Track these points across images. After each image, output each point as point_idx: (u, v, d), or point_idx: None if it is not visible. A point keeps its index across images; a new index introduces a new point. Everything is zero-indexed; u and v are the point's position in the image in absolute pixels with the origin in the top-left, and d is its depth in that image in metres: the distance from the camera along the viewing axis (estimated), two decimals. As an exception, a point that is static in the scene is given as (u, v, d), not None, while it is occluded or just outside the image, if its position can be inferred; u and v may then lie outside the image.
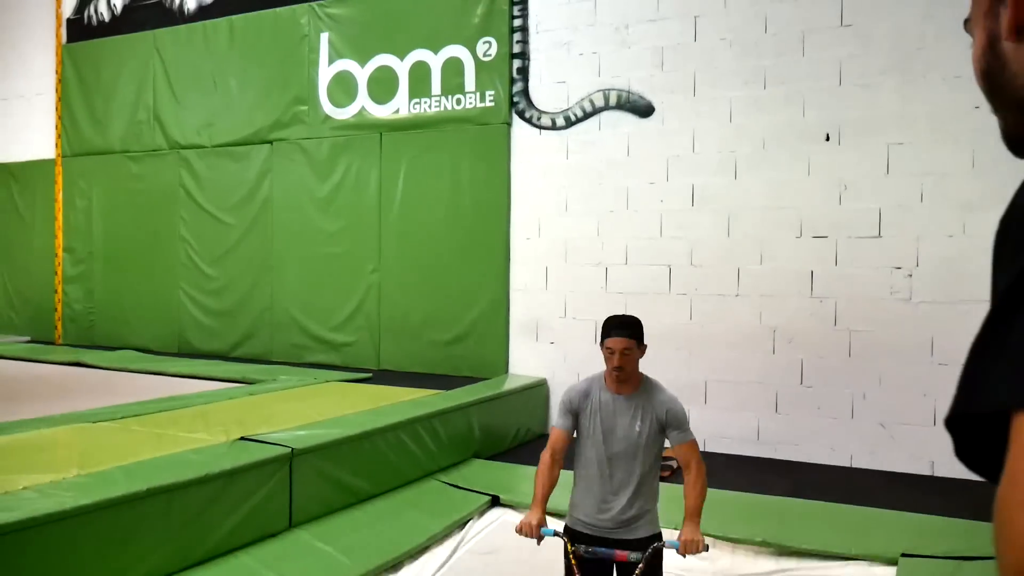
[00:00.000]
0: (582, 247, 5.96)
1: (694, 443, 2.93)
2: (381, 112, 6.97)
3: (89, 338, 8.66)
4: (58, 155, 8.85)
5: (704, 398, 5.51)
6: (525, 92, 6.27)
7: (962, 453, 0.60)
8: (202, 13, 7.95)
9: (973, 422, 0.56)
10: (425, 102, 6.74)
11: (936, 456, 4.90)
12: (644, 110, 5.80)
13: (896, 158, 5.07)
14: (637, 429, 2.92)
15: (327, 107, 7.23)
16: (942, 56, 4.90)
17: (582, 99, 6.02)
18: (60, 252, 8.87)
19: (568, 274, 6.02)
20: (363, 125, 7.06)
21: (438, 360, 6.66)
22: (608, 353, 2.90)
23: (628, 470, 2.92)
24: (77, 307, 8.78)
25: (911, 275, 5.01)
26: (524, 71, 6.28)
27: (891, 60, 5.07)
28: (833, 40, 5.23)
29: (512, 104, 6.33)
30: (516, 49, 6.33)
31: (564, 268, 6.04)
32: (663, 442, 2.96)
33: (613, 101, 5.91)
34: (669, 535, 3.04)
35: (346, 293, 7.15)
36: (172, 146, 8.13)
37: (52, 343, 8.83)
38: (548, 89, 6.18)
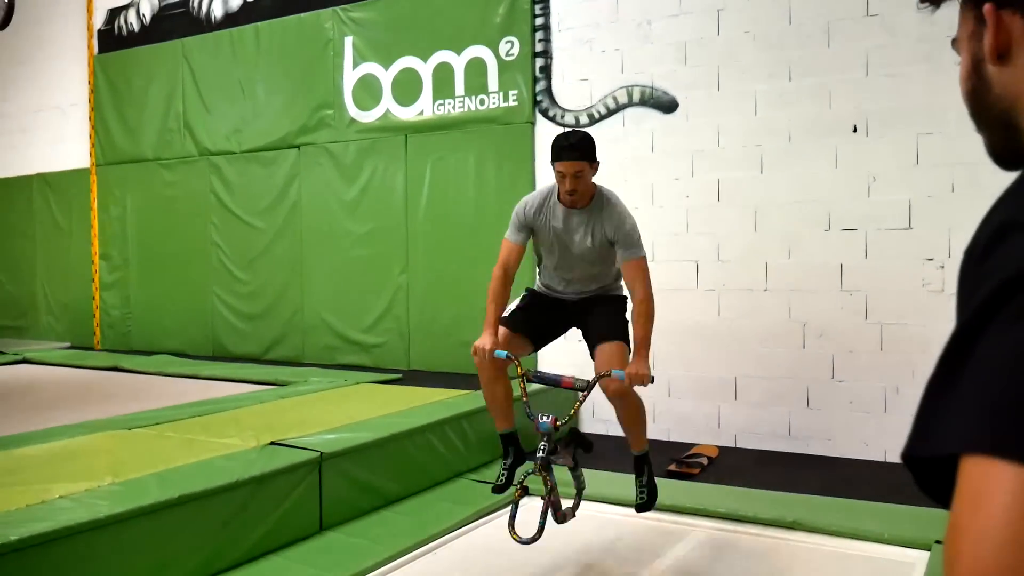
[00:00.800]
0: (608, 244, 5.92)
1: (642, 264, 3.02)
2: (406, 114, 6.99)
3: (127, 343, 8.81)
4: (92, 164, 9.00)
5: (735, 394, 5.47)
6: (548, 91, 6.26)
7: (923, 486, 0.59)
8: (229, 20, 8.03)
9: (928, 460, 0.56)
10: (449, 103, 6.76)
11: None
12: (668, 106, 5.76)
13: (926, 149, 4.99)
14: (588, 244, 3.04)
15: (352, 110, 7.28)
16: (970, 43, 4.80)
17: (605, 96, 6.00)
18: (96, 259, 9.02)
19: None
20: (388, 127, 7.09)
21: (467, 360, 6.66)
22: (559, 176, 2.96)
23: (586, 273, 3.19)
24: (114, 313, 8.93)
25: (943, 266, 4.93)
26: (547, 69, 6.27)
27: (919, 50, 4.99)
28: (859, 30, 5.16)
29: (535, 103, 6.32)
30: (539, 48, 6.32)
31: (591, 266, 6.01)
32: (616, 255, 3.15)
33: (637, 97, 5.88)
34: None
35: (375, 295, 7.19)
36: (202, 153, 8.23)
37: (91, 348, 8.99)
38: (571, 87, 6.17)
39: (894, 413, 5.05)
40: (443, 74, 6.79)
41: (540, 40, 6.30)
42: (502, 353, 3.01)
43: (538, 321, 3.43)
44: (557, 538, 3.74)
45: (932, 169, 4.97)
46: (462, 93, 6.71)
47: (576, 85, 6.11)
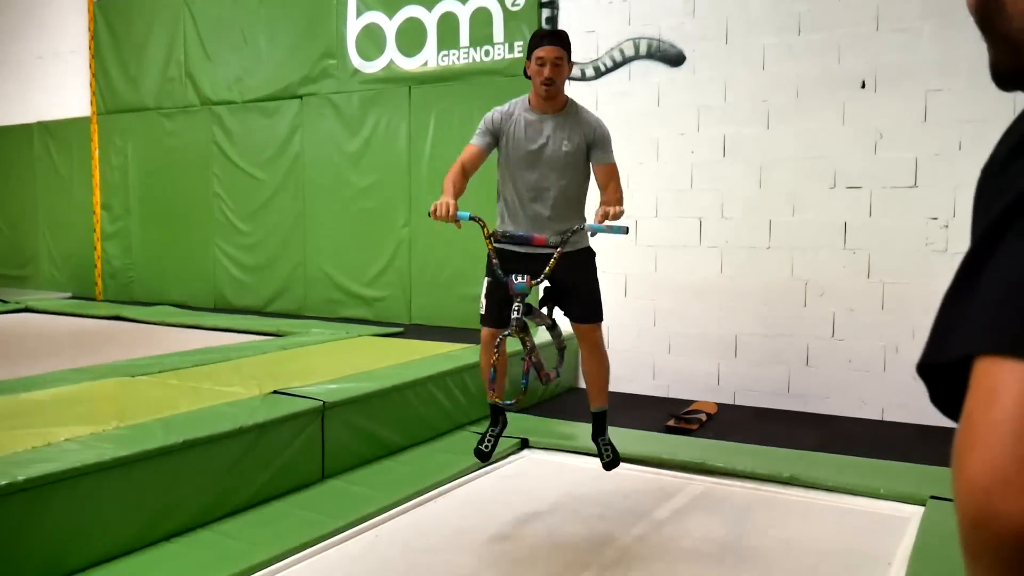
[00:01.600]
0: (612, 200, 5.91)
1: (615, 167, 3.19)
2: (410, 65, 6.94)
3: (128, 294, 8.84)
4: (93, 112, 8.96)
5: (735, 352, 5.51)
6: (554, 43, 6.20)
7: (937, 400, 0.61)
8: (230, -33, 7.94)
9: (944, 370, 0.57)
10: (454, 54, 6.71)
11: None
12: (675, 59, 5.72)
13: (934, 106, 4.96)
14: (565, 148, 3.08)
15: (356, 61, 7.22)
16: (983, -1, 4.75)
17: (612, 49, 5.94)
18: (98, 209, 9.02)
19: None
20: (392, 78, 7.05)
21: (469, 314, 6.70)
22: (538, 65, 3.00)
23: (556, 189, 3.16)
24: (116, 263, 8.95)
25: (947, 226, 4.93)
26: (553, 20, 6.21)
27: (930, 4, 4.93)
28: (870, -16, 5.10)
29: (541, 55, 6.26)
30: (545, -2, 6.25)
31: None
32: (588, 168, 3.20)
33: (644, 50, 5.83)
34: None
35: (377, 248, 7.20)
36: (204, 102, 8.18)
37: (93, 299, 9.03)
38: (577, 39, 6.09)
39: (893, 372, 5.08)
40: (448, 24, 6.73)
41: (546, -9, 6.24)
42: (465, 215, 3.05)
43: (506, 302, 3.37)
44: (554, 490, 3.81)
45: (940, 127, 4.95)
46: (467, 44, 6.65)
47: (582, 37, 6.05)
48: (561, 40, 3.05)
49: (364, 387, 4.17)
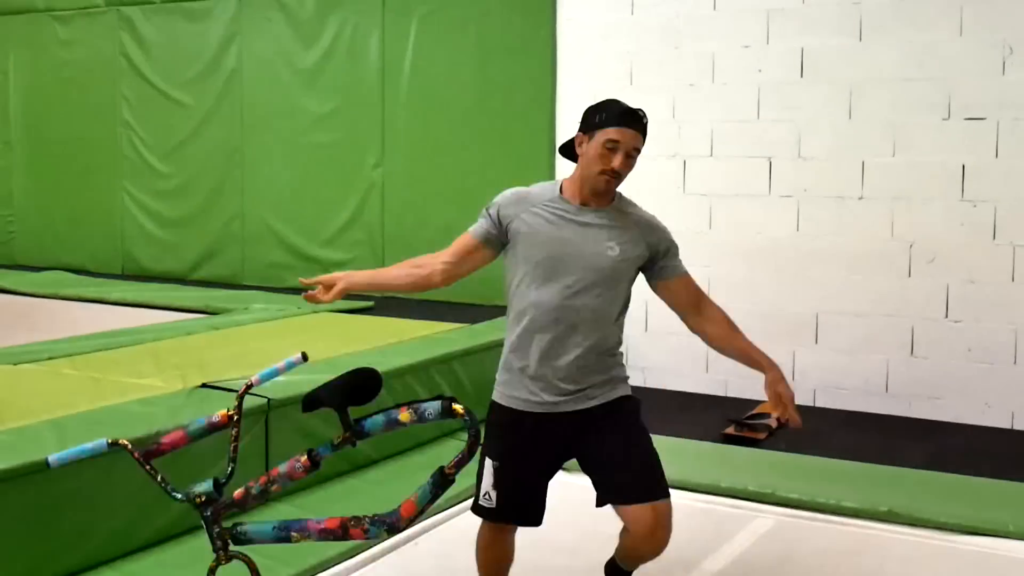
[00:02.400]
0: (652, 133, 5.76)
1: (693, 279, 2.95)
2: (383, -48, 6.87)
3: (8, 255, 8.80)
4: (-39, 14, 8.86)
5: (815, 336, 5.46)
6: (576, -78, 6.11)
7: None
8: None
9: None
10: (442, -62, 6.63)
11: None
12: (739, -54, 5.64)
13: (1086, 10, 4.90)
14: (614, 253, 2.79)
15: (311, -54, 7.15)
16: None
17: (654, -69, 5.86)
18: (-32, 143, 8.95)
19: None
20: (359, -30, 6.97)
21: (461, 284, 6.63)
22: (606, 148, 2.73)
23: (596, 312, 2.80)
24: (-8, 215, 8.91)
25: (1101, 171, 4.89)
26: None
27: None
28: None
29: (559, -60, 6.18)
30: None
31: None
32: (630, 288, 2.86)
33: (696, -66, 5.75)
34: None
35: (340, 196, 7.15)
36: (109, 2, 8.10)
37: (-39, 262, 8.98)
38: (608, -82, 6.02)
39: (1026, 364, 5.06)
40: (434, -102, 6.64)
41: None
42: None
43: (530, 486, 2.89)
44: (572, 527, 3.73)
45: (1094, 38, 4.88)
46: (459, -76, 6.58)
47: (614, -84, 5.96)
48: (644, 125, 2.80)
49: (322, 380, 4.10)
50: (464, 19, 6.58)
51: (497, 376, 2.92)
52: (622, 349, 2.92)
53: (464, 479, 2.56)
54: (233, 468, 2.42)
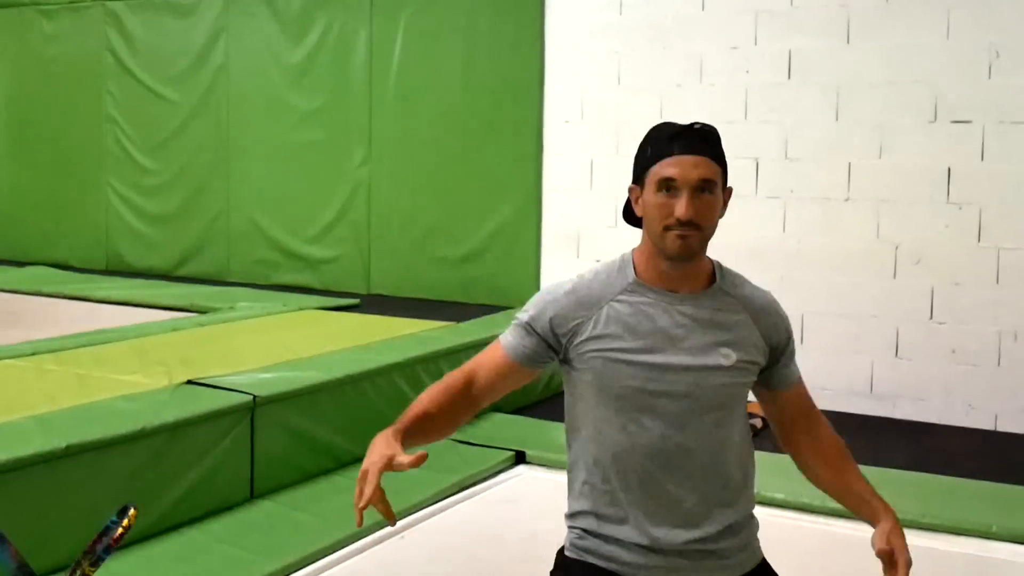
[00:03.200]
0: (640, 133, 5.81)
1: (805, 387, 2.23)
2: (371, -50, 6.87)
3: (-10, 250, 8.76)
4: (-55, 8, 8.82)
5: (800, 337, 5.47)
6: (565, -78, 6.12)
7: None
8: None
9: None
10: (430, -64, 6.63)
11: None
12: (727, -53, 5.65)
13: (1071, 14, 4.92)
14: (728, 361, 2.02)
15: (299, -58, 7.14)
16: None
17: (643, -68, 5.87)
18: (-49, 137, 8.91)
19: (621, 169, 5.88)
20: (347, -33, 6.96)
21: (447, 283, 6.65)
22: (664, 192, 1.95)
23: (708, 444, 2.02)
24: (-26, 210, 8.86)
25: (1085, 174, 4.91)
26: None
27: None
28: None
29: (548, -61, 6.18)
30: None
31: (615, 161, 5.95)
32: (751, 378, 2.09)
33: (685, -66, 5.76)
34: None
35: (326, 193, 7.14)
36: (95, -4, 8.07)
37: (-58, 257, 8.93)
38: (597, -82, 6.02)
39: (1010, 367, 5.07)
40: None
41: None
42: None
43: None
44: (560, 522, 3.74)
45: (1079, 42, 4.90)
46: (448, -78, 6.57)
47: (603, -85, 5.97)
48: (711, 144, 2.00)
49: (308, 377, 4.11)
50: (452, 18, 6.58)
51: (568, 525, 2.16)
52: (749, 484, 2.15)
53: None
54: None
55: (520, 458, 4.41)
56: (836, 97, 5.41)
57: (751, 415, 4.34)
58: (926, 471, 4.30)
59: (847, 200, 5.40)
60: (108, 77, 8.04)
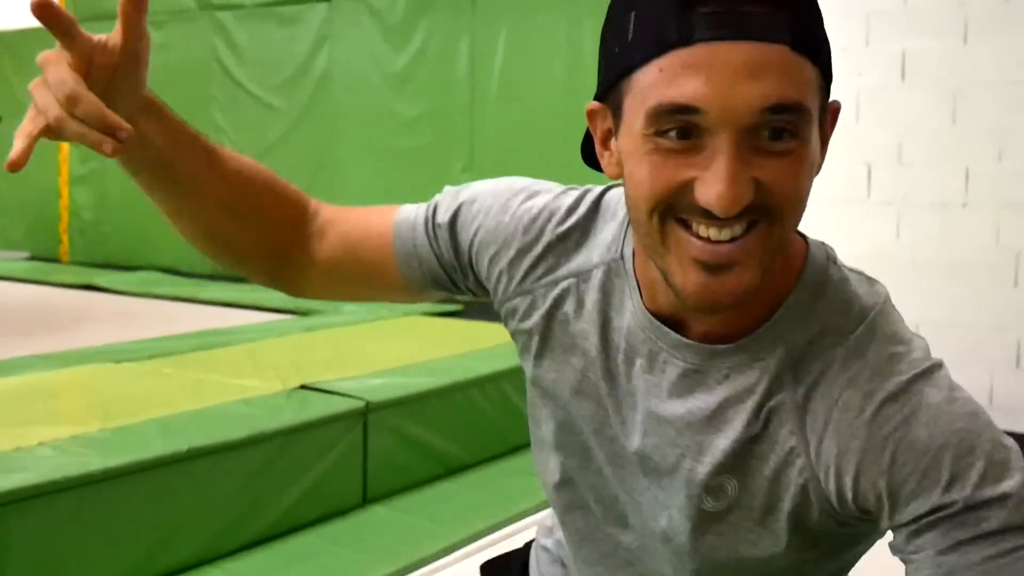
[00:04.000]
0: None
1: None
2: (475, -44, 6.90)
3: (103, 255, 8.98)
4: (59, 19, 9.06)
5: (913, 346, 5.38)
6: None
7: None
8: None
9: None
10: (534, -59, 6.65)
11: None
12: (839, -53, 5.57)
13: None
14: (715, 505, 1.03)
15: (403, -50, 7.21)
16: None
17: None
18: (65, 145, 9.16)
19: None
20: (451, -26, 7.01)
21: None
22: (668, 140, 0.89)
23: None
24: (87, 216, 9.09)
25: None
26: None
27: None
28: None
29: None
30: None
31: (722, 167, 5.92)
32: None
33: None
34: None
35: (427, 199, 7.17)
36: (203, 7, 8.24)
37: (57, 261, 9.20)
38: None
39: None
40: (527, -99, 6.66)
41: None
42: None
43: None
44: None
45: None
46: (552, -72, 6.58)
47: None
48: (792, 8, 0.87)
49: (420, 383, 4.14)
50: (553, 24, 6.58)
51: None
52: None
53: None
54: None
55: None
56: (952, 99, 5.30)
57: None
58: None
59: (964, 206, 5.28)
60: (215, 85, 8.20)
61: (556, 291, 1.14)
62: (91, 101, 0.96)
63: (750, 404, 1.00)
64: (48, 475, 2.78)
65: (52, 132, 0.99)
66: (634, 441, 1.07)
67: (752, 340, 1.00)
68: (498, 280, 1.18)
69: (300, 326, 5.60)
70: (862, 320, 1.02)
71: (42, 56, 1.01)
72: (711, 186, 0.87)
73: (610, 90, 0.96)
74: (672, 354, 1.03)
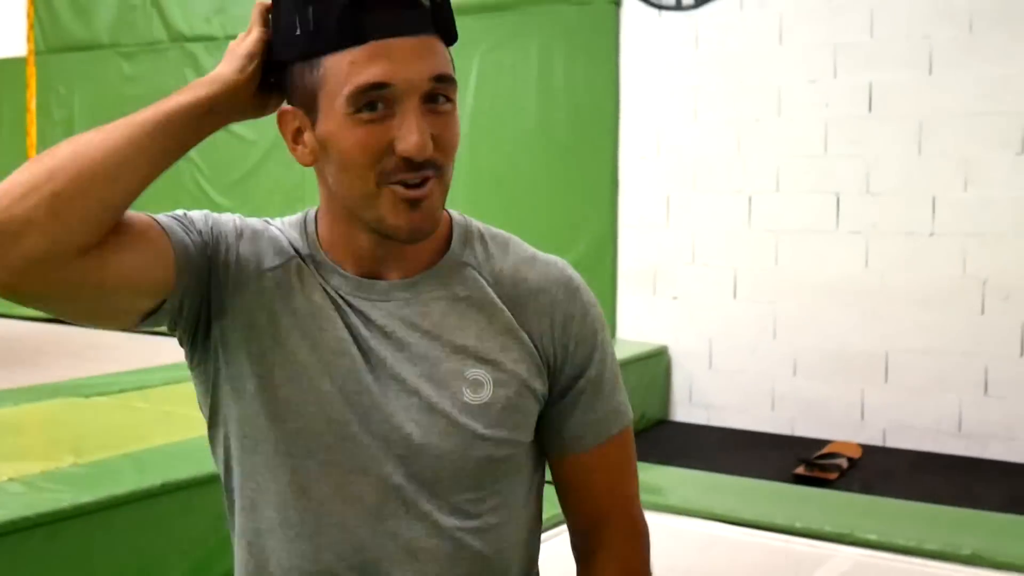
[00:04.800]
0: (717, 169, 5.86)
1: (630, 442, 1.35)
2: (446, -11, 6.94)
3: (71, 288, 8.92)
4: (30, 51, 9.05)
5: (884, 374, 5.41)
6: (640, -42, 6.15)
7: None
8: None
9: None
10: (505, -27, 6.70)
11: None
12: (805, -20, 5.65)
13: None
14: (474, 398, 1.23)
15: (374, -17, 7.24)
16: None
17: (718, -34, 5.89)
18: (33, 177, 9.13)
19: (698, 205, 5.94)
20: (422, 7, 7.05)
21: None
22: (367, 112, 1.16)
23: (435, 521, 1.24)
24: (55, 248, 9.04)
25: None
26: (639, -71, 6.16)
27: None
28: None
29: (623, -25, 6.22)
30: (628, -101, 6.20)
31: (692, 197, 5.95)
32: (530, 430, 1.29)
33: (762, -32, 5.77)
34: None
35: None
36: (174, 38, 8.24)
37: (25, 294, 9.12)
38: (672, -46, 6.06)
39: (1104, 405, 4.97)
40: (497, -66, 6.71)
41: None
42: None
43: None
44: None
45: None
46: (523, -40, 6.64)
47: (679, -49, 6.00)
48: (428, 9, 1.20)
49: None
50: (525, 56, 6.62)
51: None
52: None
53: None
54: None
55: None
56: (919, 130, 5.37)
57: (835, 455, 3.81)
58: (1021, 513, 4.22)
59: (932, 235, 5.34)
60: (185, 117, 8.19)
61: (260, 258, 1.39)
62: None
63: (478, 317, 1.29)
64: (19, 511, 2.77)
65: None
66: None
67: (448, 265, 1.31)
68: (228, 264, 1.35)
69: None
70: (507, 238, 1.38)
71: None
72: (406, 138, 1.15)
73: (288, 71, 1.25)
74: (383, 294, 1.30)
